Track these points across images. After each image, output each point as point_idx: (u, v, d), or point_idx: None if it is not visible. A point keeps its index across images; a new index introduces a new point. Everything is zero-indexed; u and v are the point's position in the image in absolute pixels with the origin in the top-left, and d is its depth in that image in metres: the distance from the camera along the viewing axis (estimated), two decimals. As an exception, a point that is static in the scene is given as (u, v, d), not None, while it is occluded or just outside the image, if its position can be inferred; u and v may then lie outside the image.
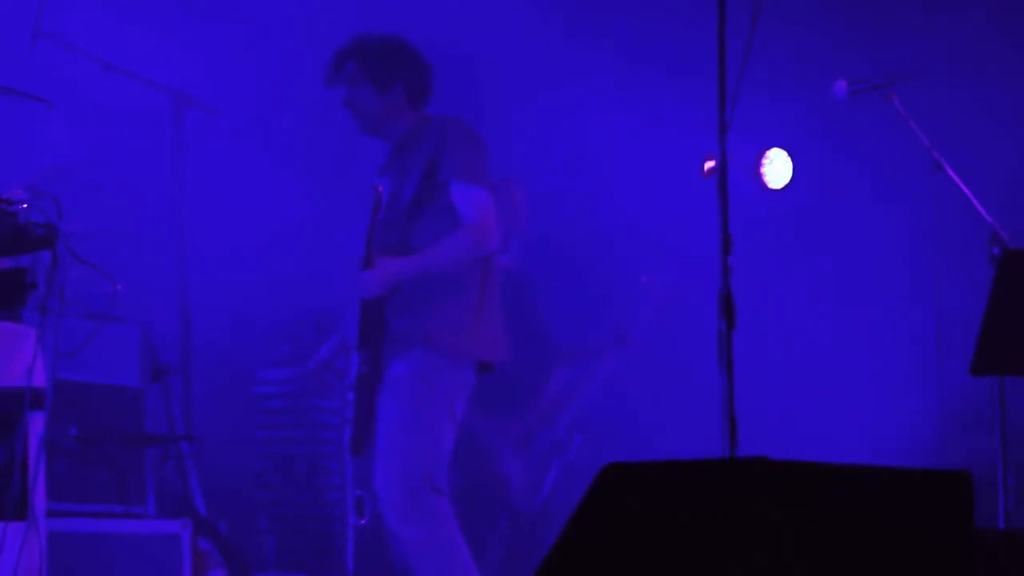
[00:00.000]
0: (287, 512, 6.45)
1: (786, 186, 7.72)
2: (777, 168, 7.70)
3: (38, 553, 4.41)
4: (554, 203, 7.21)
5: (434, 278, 5.08)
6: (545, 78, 7.43)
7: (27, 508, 4.38)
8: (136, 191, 6.43)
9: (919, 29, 7.36)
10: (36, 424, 4.44)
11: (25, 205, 4.54)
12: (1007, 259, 4.99)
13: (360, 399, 5.11)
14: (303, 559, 6.37)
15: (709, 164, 7.50)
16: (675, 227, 7.47)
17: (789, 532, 2.39)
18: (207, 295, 6.05)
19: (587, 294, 7.45)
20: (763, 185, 7.68)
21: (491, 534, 6.47)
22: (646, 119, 7.63)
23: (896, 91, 5.76)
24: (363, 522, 6.29)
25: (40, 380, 4.47)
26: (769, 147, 7.69)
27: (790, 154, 7.72)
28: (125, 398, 5.63)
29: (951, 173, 5.60)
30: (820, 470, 2.47)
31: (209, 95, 6.08)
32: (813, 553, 2.40)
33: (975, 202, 5.53)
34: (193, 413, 5.80)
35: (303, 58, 5.48)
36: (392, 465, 5.00)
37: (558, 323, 6.83)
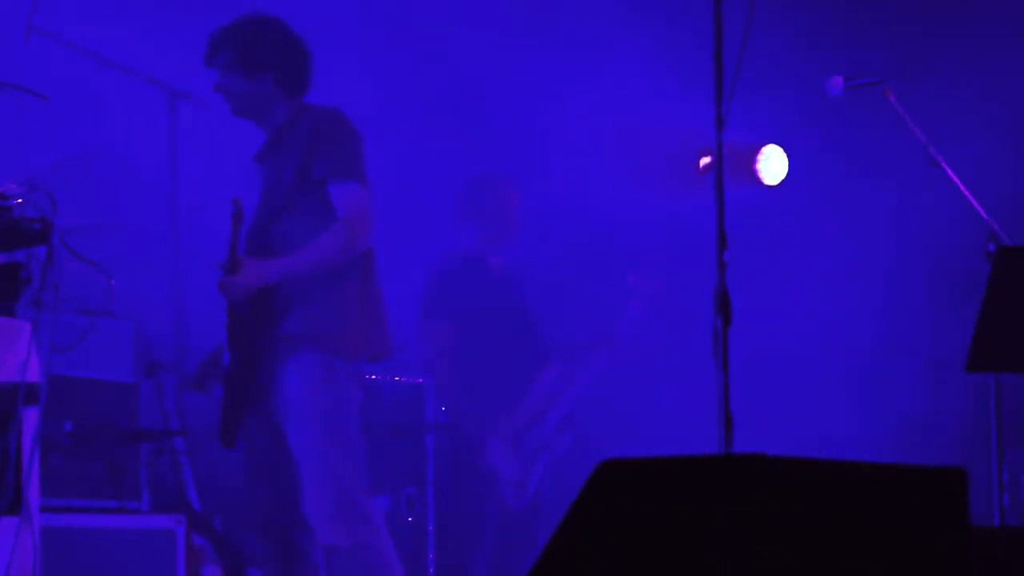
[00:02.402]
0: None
1: (782, 182, 7.71)
2: (773, 164, 7.70)
3: (31, 548, 4.40)
4: (545, 201, 7.20)
5: (312, 276, 4.93)
6: (541, 77, 7.42)
7: (21, 503, 4.37)
8: (131, 186, 6.41)
9: (915, 25, 7.36)
10: (30, 419, 4.43)
11: (20, 200, 4.54)
12: (1003, 256, 4.99)
13: (227, 395, 5.00)
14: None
15: (705, 160, 7.50)
16: (670, 224, 7.47)
17: (786, 529, 2.39)
18: (201, 291, 6.04)
19: (577, 292, 7.43)
20: (759, 181, 7.67)
21: (480, 531, 6.46)
22: (641, 114, 7.62)
23: (892, 87, 5.75)
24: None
25: (34, 375, 4.47)
26: (765, 143, 7.69)
27: (786, 150, 7.72)
28: (119, 393, 5.63)
29: (947, 170, 5.60)
30: (816, 467, 2.47)
31: (204, 89, 6.06)
32: (810, 550, 2.39)
33: (971, 199, 5.53)
34: (187, 409, 5.79)
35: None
36: (322, 481, 4.89)
37: (548, 321, 6.81)
